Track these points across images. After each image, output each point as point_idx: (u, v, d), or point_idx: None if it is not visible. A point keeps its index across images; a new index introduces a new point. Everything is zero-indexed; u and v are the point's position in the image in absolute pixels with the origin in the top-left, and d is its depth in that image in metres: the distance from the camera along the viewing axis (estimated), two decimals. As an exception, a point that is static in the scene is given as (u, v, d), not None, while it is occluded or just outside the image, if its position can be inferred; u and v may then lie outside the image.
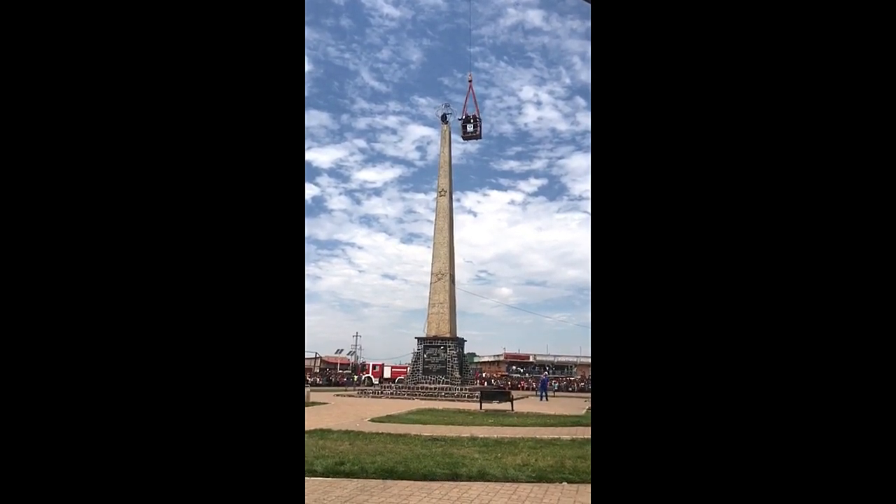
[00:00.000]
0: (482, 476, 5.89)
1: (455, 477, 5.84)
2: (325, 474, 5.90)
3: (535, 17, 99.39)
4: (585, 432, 10.14)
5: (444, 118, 28.01)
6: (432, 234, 27.08)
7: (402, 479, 5.74)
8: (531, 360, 51.99)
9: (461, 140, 28.06)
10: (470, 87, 26.94)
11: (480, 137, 27.42)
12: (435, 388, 23.18)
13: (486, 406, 16.68)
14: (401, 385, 25.39)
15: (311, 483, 5.38)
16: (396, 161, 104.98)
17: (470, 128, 26.74)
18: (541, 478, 5.89)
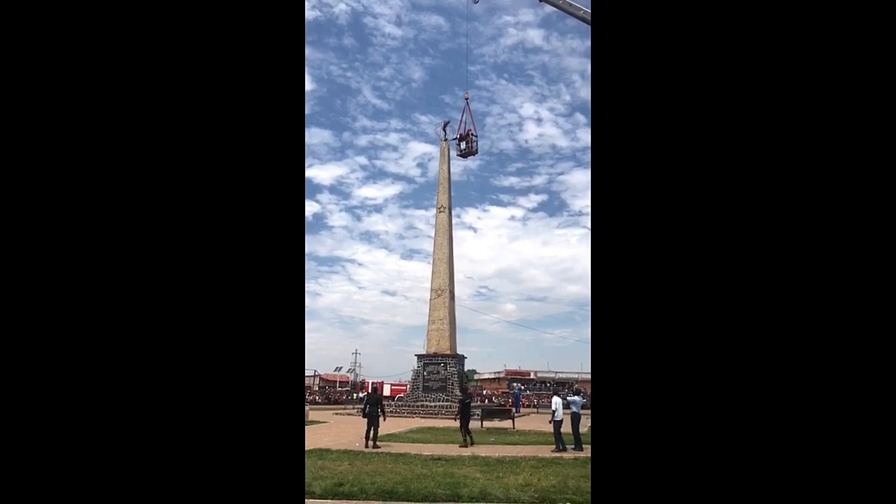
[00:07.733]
0: (484, 497, 5.79)
1: (456, 498, 5.74)
2: (324, 496, 5.79)
3: (535, 36, 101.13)
4: (588, 451, 10.00)
5: (443, 134, 28.17)
6: (432, 250, 27.08)
7: (402, 501, 5.63)
8: (532, 376, 51.58)
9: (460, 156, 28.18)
10: (466, 104, 27.12)
11: (476, 153, 27.46)
12: (435, 406, 22.93)
13: (486, 424, 16.48)
14: (400, 403, 25.12)
15: (309, 505, 5.28)
16: (397, 178, 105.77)
17: (464, 146, 26.77)
18: (543, 498, 5.79)
